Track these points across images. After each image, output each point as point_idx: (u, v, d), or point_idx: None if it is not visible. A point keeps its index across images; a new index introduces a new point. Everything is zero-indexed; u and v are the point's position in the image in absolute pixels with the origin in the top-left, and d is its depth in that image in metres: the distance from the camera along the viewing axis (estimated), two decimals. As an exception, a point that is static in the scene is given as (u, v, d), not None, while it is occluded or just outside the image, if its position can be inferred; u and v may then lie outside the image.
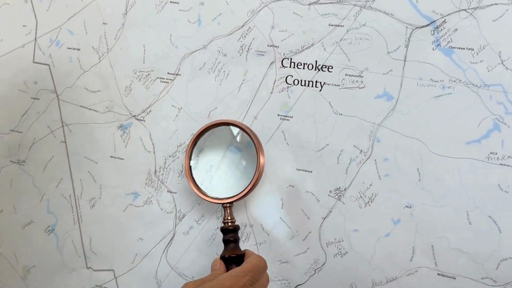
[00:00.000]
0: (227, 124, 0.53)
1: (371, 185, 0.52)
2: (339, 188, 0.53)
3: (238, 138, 0.54)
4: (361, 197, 0.52)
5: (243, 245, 0.55)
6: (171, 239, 0.58)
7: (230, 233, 0.47)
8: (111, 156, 0.60)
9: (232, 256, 0.45)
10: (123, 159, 0.59)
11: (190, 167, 0.52)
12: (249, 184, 0.49)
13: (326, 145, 0.53)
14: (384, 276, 0.51)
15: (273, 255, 0.55)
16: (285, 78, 0.54)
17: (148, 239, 0.58)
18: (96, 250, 0.60)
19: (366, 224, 0.52)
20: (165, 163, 0.58)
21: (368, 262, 0.52)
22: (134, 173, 0.58)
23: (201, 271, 0.56)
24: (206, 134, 0.52)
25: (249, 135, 0.51)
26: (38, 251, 0.62)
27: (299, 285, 0.54)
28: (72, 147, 0.61)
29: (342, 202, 0.53)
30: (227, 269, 0.44)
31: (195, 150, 0.52)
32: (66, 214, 0.61)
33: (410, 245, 0.50)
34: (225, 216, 0.48)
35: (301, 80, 0.54)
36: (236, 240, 0.47)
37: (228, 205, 0.48)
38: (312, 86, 0.53)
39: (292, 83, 0.54)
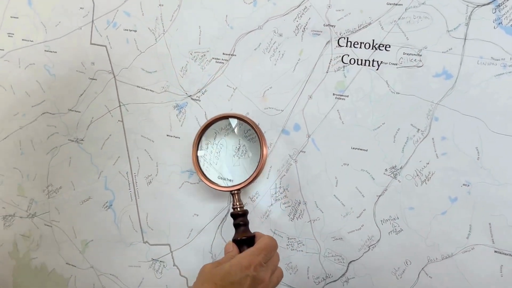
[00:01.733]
0: (234, 117, 0.60)
1: (428, 163, 0.57)
2: (395, 166, 0.58)
3: (243, 130, 0.61)
4: (417, 175, 0.57)
5: (296, 222, 0.62)
6: (225, 215, 0.64)
7: (239, 217, 0.54)
8: (167, 135, 0.67)
9: (244, 238, 0.51)
10: (179, 137, 0.66)
11: (197, 157, 0.60)
12: (254, 172, 0.56)
13: (382, 124, 0.59)
14: (440, 253, 0.55)
15: (327, 232, 0.60)
16: (341, 57, 0.60)
17: (203, 215, 0.65)
18: (153, 225, 0.67)
19: (422, 202, 0.56)
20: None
21: (423, 240, 0.56)
22: (189, 151, 0.64)
23: None
24: (213, 125, 0.58)
25: (253, 128, 0.58)
26: (96, 226, 0.70)
27: (352, 261, 0.60)
28: (129, 126, 0.69)
29: (398, 181, 0.58)
30: (240, 251, 0.50)
31: (203, 140, 0.59)
32: (123, 191, 0.69)
33: (467, 223, 0.55)
34: (234, 202, 0.55)
35: (358, 59, 0.60)
36: (246, 224, 0.53)
37: (236, 191, 0.55)
38: (369, 65, 0.59)
39: (348, 62, 0.60)
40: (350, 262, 0.59)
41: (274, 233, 0.62)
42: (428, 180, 0.56)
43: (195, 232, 0.65)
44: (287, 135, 0.61)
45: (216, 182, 0.57)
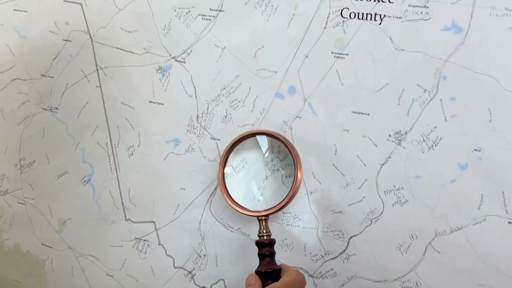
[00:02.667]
0: (266, 134, 0.58)
1: (435, 127, 0.56)
2: (400, 131, 0.57)
3: (276, 149, 0.59)
4: (424, 140, 0.56)
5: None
6: (215, 189, 0.63)
7: (265, 247, 0.52)
8: (149, 101, 0.66)
9: (269, 270, 0.49)
10: (163, 104, 0.65)
11: (223, 174, 0.57)
12: (286, 197, 0.54)
13: (386, 84, 0.58)
14: (449, 226, 0.55)
15: (325, 205, 0.60)
16: (340, 11, 0.59)
17: (191, 189, 0.64)
18: (135, 201, 0.67)
19: (429, 170, 0.56)
20: (207, 108, 0.64)
21: (430, 211, 0.56)
22: (174, 119, 0.64)
23: (247, 223, 0.62)
24: (243, 142, 0.57)
25: (288, 149, 0.56)
26: (74, 203, 0.69)
27: (353, 236, 0.59)
28: (107, 92, 0.67)
29: (403, 147, 0.57)
30: (263, 285, 0.48)
31: (230, 157, 0.57)
32: (102, 164, 0.67)
33: (478, 192, 0.54)
34: (260, 229, 0.53)
35: (358, 13, 0.58)
36: (272, 254, 0.51)
37: (263, 218, 0.53)
38: (371, 20, 0.58)
39: (348, 16, 0.59)
40: (351, 237, 0.59)
41: None
42: (435, 145, 0.56)
43: (182, 207, 0.64)
44: (281, 99, 0.61)
45: (242, 204, 0.56)
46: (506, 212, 0.53)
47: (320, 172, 0.59)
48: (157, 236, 0.65)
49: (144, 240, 0.65)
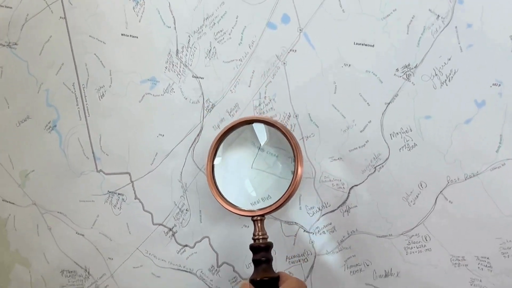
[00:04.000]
0: (262, 122, 0.55)
1: (449, 59, 0.54)
2: (408, 65, 0.56)
3: (273, 139, 0.57)
4: (436, 75, 0.55)
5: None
6: (198, 135, 0.62)
7: (261, 252, 0.50)
8: (122, 34, 0.64)
9: (265, 279, 0.48)
10: (137, 37, 0.63)
11: (213, 167, 0.56)
12: (284, 194, 0.52)
13: (393, 10, 0.56)
14: (463, 172, 0.54)
15: (323, 151, 0.59)
16: None
17: (170, 135, 0.63)
18: (108, 150, 0.65)
19: (442, 109, 0.55)
20: (188, 42, 0.62)
21: (442, 156, 0.55)
22: (151, 55, 0.62)
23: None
24: (235, 131, 0.56)
25: (288, 138, 0.54)
26: (38, 153, 0.67)
27: (354, 186, 0.58)
28: (73, 24, 0.65)
29: (412, 83, 0.56)
30: None
31: (220, 149, 0.56)
32: (69, 107, 0.66)
33: (497, 133, 0.53)
34: (255, 231, 0.51)
35: None
36: (269, 260, 0.50)
37: (259, 218, 0.51)
38: None
39: None
40: (352, 187, 0.58)
41: (259, 148, 0.59)
42: (449, 80, 0.54)
43: (160, 157, 0.63)
44: (274, 30, 0.59)
45: (234, 203, 0.54)
46: None
47: (318, 114, 0.58)
48: (133, 189, 0.64)
49: (119, 194, 0.65)
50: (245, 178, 0.57)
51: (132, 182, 0.64)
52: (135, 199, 0.64)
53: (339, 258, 0.58)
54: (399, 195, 0.56)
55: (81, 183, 0.66)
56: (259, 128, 0.56)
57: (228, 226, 0.61)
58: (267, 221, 0.57)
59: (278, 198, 0.52)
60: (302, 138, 0.59)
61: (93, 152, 0.65)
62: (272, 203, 0.52)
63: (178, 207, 0.63)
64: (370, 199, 0.57)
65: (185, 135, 0.62)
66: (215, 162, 0.56)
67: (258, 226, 0.52)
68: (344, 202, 0.58)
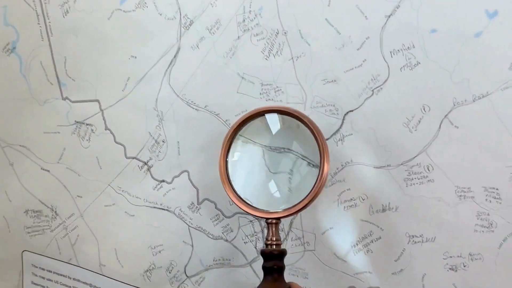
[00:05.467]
0: (284, 113, 0.53)
1: None
2: (412, -29, 0.53)
3: (295, 133, 0.55)
4: None
5: (273, 62, 0.59)
6: (174, 56, 0.61)
7: (273, 260, 0.49)
8: None
9: None
10: None
11: (226, 163, 0.54)
12: (306, 197, 0.50)
13: None
14: (471, 93, 0.53)
15: (315, 72, 0.58)
16: None
17: (144, 56, 0.62)
18: (74, 75, 0.64)
19: (449, 21, 0.54)
20: None
21: (448, 75, 0.54)
22: None
23: (216, 99, 0.60)
24: (252, 123, 0.54)
25: (313, 131, 0.52)
26: (-4, 78, 0.65)
27: (350, 111, 0.58)
28: None
29: None
30: None
31: (235, 143, 0.54)
32: (30, 26, 0.64)
33: (510, 47, 0.52)
34: (268, 235, 0.50)
35: None
36: (281, 270, 0.49)
37: (274, 221, 0.50)
38: None
39: None
40: (347, 113, 0.58)
41: (243, 77, 0.59)
42: (458, -12, 0.52)
43: (133, 81, 0.63)
44: None
45: (249, 202, 0.53)
46: None
47: (309, 30, 0.57)
48: (103, 119, 0.64)
49: (87, 125, 0.65)
50: (261, 177, 0.57)
51: (101, 110, 0.64)
52: (105, 129, 0.64)
53: (331, 192, 0.58)
54: (399, 120, 0.56)
55: (44, 112, 0.65)
56: (276, 119, 0.55)
57: (209, 158, 0.61)
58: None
59: (300, 200, 0.51)
60: (292, 58, 0.58)
61: (57, 77, 0.64)
62: (292, 205, 0.51)
63: (153, 138, 0.63)
64: (366, 125, 0.57)
65: (160, 56, 0.61)
66: (228, 160, 0.54)
67: (272, 230, 0.50)
68: (338, 130, 0.58)
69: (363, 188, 0.57)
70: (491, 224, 0.54)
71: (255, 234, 0.61)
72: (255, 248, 0.61)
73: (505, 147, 0.53)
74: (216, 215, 0.62)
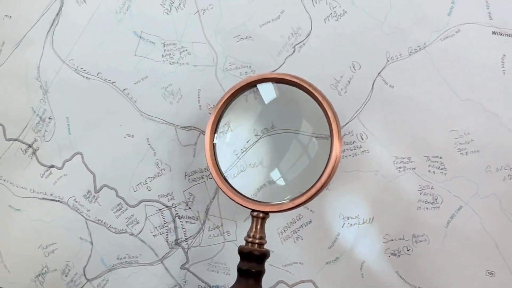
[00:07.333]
0: (281, 81, 0.48)
1: None
2: None
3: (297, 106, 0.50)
4: None
5: (175, 16, 0.56)
6: (57, 14, 0.58)
7: (252, 261, 0.46)
8: None
9: None
10: None
11: (214, 145, 0.49)
12: (313, 187, 0.45)
13: None
14: (406, 45, 0.52)
15: (226, 28, 0.55)
16: None
17: (20, 17, 0.59)
18: None
19: None
20: None
21: (379, 25, 0.53)
22: None
23: (111, 64, 0.57)
24: (243, 95, 0.50)
25: (320, 103, 0.47)
26: None
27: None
28: None
29: None
30: None
31: (223, 120, 0.50)
32: None
33: None
34: (251, 230, 0.46)
35: None
36: (260, 274, 0.46)
37: (261, 215, 0.46)
38: None
39: None
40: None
41: (141, 37, 0.57)
42: None
43: (8, 46, 0.60)
44: None
45: (237, 188, 0.48)
46: (490, 16, 0.49)
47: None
48: (-26, 93, 0.58)
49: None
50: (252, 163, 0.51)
51: (-28, 83, 0.58)
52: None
53: None
54: (326, 81, 0.53)
55: None
56: (272, 89, 0.50)
57: (106, 136, 0.58)
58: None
59: (305, 191, 0.46)
60: (198, 11, 0.56)
61: None
62: (293, 197, 0.47)
63: (37, 114, 0.60)
64: (287, 88, 0.52)
65: (40, 15, 0.59)
66: (215, 142, 0.50)
67: (257, 225, 0.46)
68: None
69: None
70: (436, 200, 0.52)
71: (166, 225, 0.57)
72: (166, 241, 0.57)
73: (448, 108, 0.51)
74: (118, 205, 0.59)
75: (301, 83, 0.47)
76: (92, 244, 0.60)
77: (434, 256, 0.52)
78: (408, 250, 0.53)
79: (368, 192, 0.53)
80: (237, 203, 0.48)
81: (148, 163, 0.56)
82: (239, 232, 0.56)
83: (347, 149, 0.54)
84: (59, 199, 0.60)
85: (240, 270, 0.46)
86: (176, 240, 0.57)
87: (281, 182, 0.49)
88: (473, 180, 0.50)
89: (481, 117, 0.50)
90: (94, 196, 0.59)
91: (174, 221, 0.58)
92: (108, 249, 0.59)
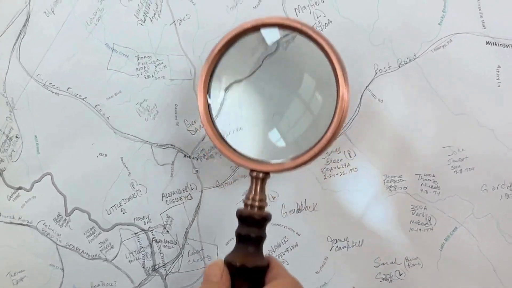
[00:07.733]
0: (279, 26, 0.45)
1: None
2: None
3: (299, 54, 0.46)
4: None
5: None
6: (24, 25, 0.57)
7: (253, 226, 0.43)
8: None
9: (249, 267, 0.41)
10: None
11: (208, 105, 0.46)
12: (319, 142, 0.42)
13: None
14: (395, 57, 0.51)
15: (203, 39, 0.54)
16: None
17: None
18: None
19: None
20: None
21: (366, 35, 0.51)
22: None
23: (79, 79, 0.55)
24: (237, 45, 0.47)
25: (322, 47, 0.44)
26: None
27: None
28: None
29: None
30: (234, 285, 0.41)
31: (217, 75, 0.47)
32: None
33: None
34: (250, 193, 0.44)
35: None
36: (259, 240, 0.43)
37: (260, 175, 0.44)
38: None
39: None
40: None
41: (113, 49, 0.55)
42: None
43: None
44: None
45: (236, 148, 0.45)
46: (483, 25, 0.49)
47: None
48: None
49: None
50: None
51: None
52: None
53: (233, 192, 0.55)
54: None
55: None
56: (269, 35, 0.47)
57: (77, 155, 0.57)
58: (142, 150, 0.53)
59: (309, 148, 0.43)
60: (174, 22, 0.54)
61: None
62: (296, 155, 0.43)
63: (3, 133, 0.58)
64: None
65: (6, 26, 0.57)
66: (209, 102, 0.47)
67: (257, 186, 0.44)
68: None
69: (271, 184, 0.50)
70: (429, 220, 0.51)
71: (142, 249, 0.56)
72: (143, 267, 0.56)
73: (440, 123, 0.50)
74: (91, 228, 0.57)
75: (303, 28, 0.43)
76: (63, 271, 0.58)
77: (428, 280, 0.51)
78: (400, 275, 0.52)
79: (357, 213, 0.52)
80: (235, 162, 0.44)
81: (123, 183, 0.55)
82: (220, 256, 0.53)
83: (335, 167, 0.53)
84: (28, 223, 0.58)
85: (239, 236, 0.43)
86: (154, 265, 0.55)
87: (281, 143, 0.47)
88: (468, 200, 0.50)
89: (475, 133, 0.50)
90: (65, 219, 0.57)
91: (151, 245, 0.56)
92: (81, 276, 0.58)
